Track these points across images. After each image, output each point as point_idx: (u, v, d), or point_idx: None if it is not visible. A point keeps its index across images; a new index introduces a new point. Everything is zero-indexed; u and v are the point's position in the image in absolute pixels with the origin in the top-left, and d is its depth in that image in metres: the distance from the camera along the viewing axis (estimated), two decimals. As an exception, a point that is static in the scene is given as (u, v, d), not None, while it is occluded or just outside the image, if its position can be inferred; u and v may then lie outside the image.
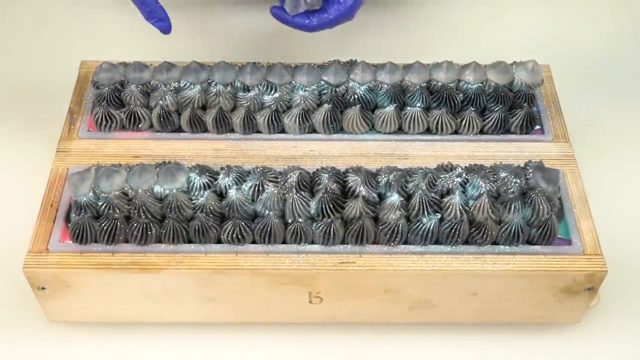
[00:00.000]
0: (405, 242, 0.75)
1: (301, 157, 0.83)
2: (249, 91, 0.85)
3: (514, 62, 0.87)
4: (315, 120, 0.84)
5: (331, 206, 0.74)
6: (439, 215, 0.74)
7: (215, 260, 0.74)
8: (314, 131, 0.85)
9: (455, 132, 0.84)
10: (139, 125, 0.84)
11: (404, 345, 0.80)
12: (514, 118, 0.84)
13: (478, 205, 0.74)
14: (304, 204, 0.74)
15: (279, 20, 0.86)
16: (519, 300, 0.76)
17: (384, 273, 0.74)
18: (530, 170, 0.77)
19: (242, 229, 0.74)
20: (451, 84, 0.86)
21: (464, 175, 0.76)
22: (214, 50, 1.04)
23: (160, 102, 0.83)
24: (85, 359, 0.79)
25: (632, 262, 0.85)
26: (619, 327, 0.81)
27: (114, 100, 0.85)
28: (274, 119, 0.83)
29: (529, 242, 0.76)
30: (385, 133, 0.85)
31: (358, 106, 0.83)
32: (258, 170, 0.77)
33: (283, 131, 0.85)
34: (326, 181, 0.76)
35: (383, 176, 0.76)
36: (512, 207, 0.74)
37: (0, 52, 1.05)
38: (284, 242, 0.75)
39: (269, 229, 0.74)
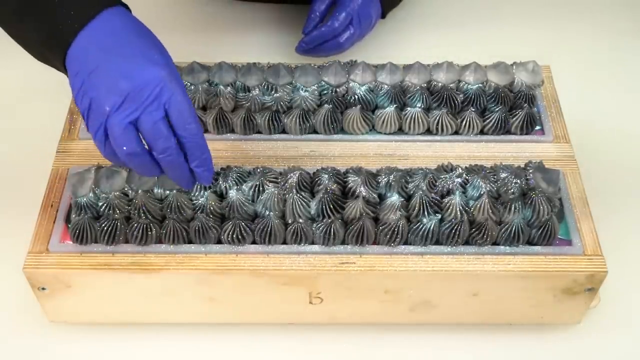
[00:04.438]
0: (406, 243, 0.75)
1: (301, 158, 0.83)
2: (249, 91, 0.85)
3: (514, 62, 0.87)
4: (316, 121, 0.84)
5: (331, 206, 0.74)
6: (439, 216, 0.74)
7: (216, 261, 0.74)
8: (314, 131, 0.85)
9: (456, 133, 0.84)
10: (139, 126, 0.84)
11: (404, 345, 0.80)
12: (514, 118, 0.84)
13: (478, 205, 0.74)
14: (304, 204, 0.74)
15: (311, 54, 0.97)
16: (519, 300, 0.76)
17: (384, 273, 0.74)
18: (531, 171, 0.77)
19: (242, 229, 0.74)
20: (451, 85, 0.86)
21: (464, 175, 0.76)
22: (214, 51, 1.04)
23: (161, 102, 0.83)
24: (85, 359, 0.79)
25: (632, 263, 0.85)
26: (619, 328, 0.81)
27: (114, 100, 0.85)
28: (274, 119, 0.83)
29: (529, 242, 0.76)
30: (385, 133, 0.84)
31: (358, 107, 0.83)
32: (258, 170, 0.77)
33: (283, 131, 0.85)
34: (326, 182, 0.76)
35: (383, 177, 0.76)
36: (513, 208, 0.74)
37: (0, 52, 1.05)
38: (284, 242, 0.75)
39: (269, 229, 0.74)
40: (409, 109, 0.84)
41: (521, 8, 1.15)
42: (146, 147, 0.67)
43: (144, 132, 0.66)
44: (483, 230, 0.74)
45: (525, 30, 1.12)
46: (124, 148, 0.65)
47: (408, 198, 0.76)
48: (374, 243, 0.75)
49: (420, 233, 0.74)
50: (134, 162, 0.67)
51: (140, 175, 0.71)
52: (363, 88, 0.85)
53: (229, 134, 0.84)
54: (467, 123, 0.83)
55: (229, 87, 0.85)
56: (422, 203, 0.74)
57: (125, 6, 0.70)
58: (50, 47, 0.68)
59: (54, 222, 0.76)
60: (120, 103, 0.64)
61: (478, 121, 0.83)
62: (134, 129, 0.65)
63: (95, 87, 0.65)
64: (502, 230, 0.74)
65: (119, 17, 0.68)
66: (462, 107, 0.84)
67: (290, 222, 0.75)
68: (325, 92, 0.85)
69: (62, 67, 0.68)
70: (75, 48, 0.66)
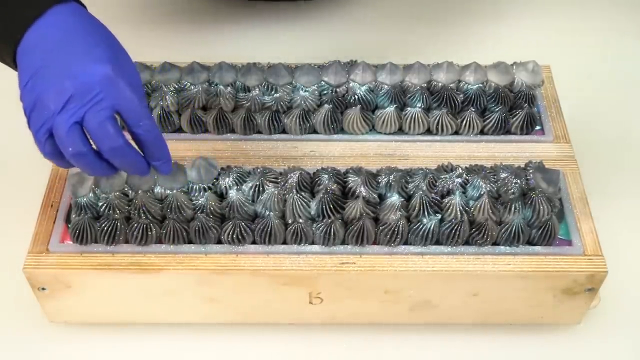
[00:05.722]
0: (406, 243, 0.75)
1: (301, 158, 0.83)
2: (249, 91, 0.85)
3: (515, 62, 0.87)
4: (316, 121, 0.84)
5: (331, 207, 0.74)
6: (439, 216, 0.74)
7: (216, 261, 0.74)
8: (314, 132, 0.85)
9: (456, 133, 0.84)
10: (139, 126, 0.84)
11: (404, 345, 0.80)
12: (515, 118, 0.84)
13: (478, 205, 0.74)
14: (304, 204, 0.74)
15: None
16: (519, 301, 0.76)
17: (384, 274, 0.74)
18: (531, 171, 0.77)
19: (242, 229, 0.74)
20: (451, 85, 0.86)
21: (464, 175, 0.76)
22: (214, 51, 1.04)
23: (161, 102, 0.83)
24: (85, 359, 0.79)
25: (632, 263, 0.85)
26: (619, 328, 0.81)
27: (114, 100, 0.85)
28: (274, 119, 0.83)
29: (530, 242, 0.76)
30: (385, 133, 0.84)
31: (358, 107, 0.83)
32: (258, 170, 0.77)
33: (283, 131, 0.85)
34: (326, 182, 0.76)
35: (383, 177, 0.76)
36: (513, 208, 0.74)
37: None
38: (284, 242, 0.75)
39: (269, 229, 0.74)
40: (409, 109, 0.84)
41: (521, 8, 1.15)
42: (94, 146, 0.66)
43: (90, 132, 0.64)
44: (483, 230, 0.74)
45: (525, 30, 1.12)
46: (70, 149, 0.64)
47: (408, 198, 0.76)
48: (374, 243, 0.75)
49: (420, 233, 0.74)
50: (81, 162, 0.66)
51: (91, 175, 0.70)
52: (363, 88, 0.85)
53: (229, 134, 0.84)
54: (467, 123, 0.83)
55: (229, 87, 0.85)
56: (422, 203, 0.74)
57: (80, 3, 0.69)
58: (3, 45, 0.67)
59: (54, 222, 0.76)
60: (65, 103, 0.63)
61: (478, 121, 0.83)
62: (80, 129, 0.64)
63: (40, 86, 0.64)
64: (502, 230, 0.74)
65: (69, 14, 0.66)
66: (462, 107, 0.84)
67: (290, 222, 0.75)
68: (325, 92, 0.85)
69: (13, 63, 0.68)
70: (24, 45, 0.66)
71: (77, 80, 0.63)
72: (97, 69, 0.64)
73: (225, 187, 0.76)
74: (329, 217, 0.74)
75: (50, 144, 0.65)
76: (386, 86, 0.85)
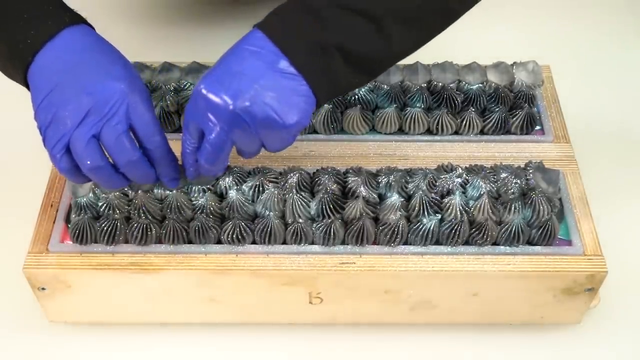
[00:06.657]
0: (406, 243, 0.75)
1: (301, 158, 0.83)
2: (249, 91, 0.85)
3: (515, 62, 0.87)
4: (316, 121, 0.84)
5: (331, 207, 0.74)
6: (439, 216, 0.74)
7: (215, 261, 0.74)
8: (314, 131, 0.85)
9: (456, 133, 0.84)
10: (139, 126, 0.84)
11: (404, 345, 0.80)
12: (515, 118, 0.84)
13: (478, 205, 0.74)
14: (304, 204, 0.74)
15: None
16: (519, 300, 0.76)
17: (384, 274, 0.74)
18: (531, 171, 0.77)
19: (242, 229, 0.74)
20: (451, 85, 0.86)
21: (464, 175, 0.76)
22: (214, 51, 1.04)
23: (161, 102, 0.83)
24: (85, 359, 0.79)
25: (632, 263, 0.85)
26: (619, 328, 0.81)
27: (114, 100, 0.85)
28: (274, 119, 0.83)
29: (529, 242, 0.76)
30: (385, 133, 0.85)
31: (358, 107, 0.83)
32: (258, 170, 0.77)
33: (283, 131, 0.84)
34: (326, 182, 0.76)
35: (383, 177, 0.76)
36: (513, 208, 0.74)
37: None
38: (284, 242, 0.75)
39: (269, 229, 0.74)
40: (409, 109, 0.84)
41: (521, 8, 1.15)
42: (110, 160, 0.67)
43: (107, 146, 0.66)
44: (483, 230, 0.74)
45: (525, 30, 1.12)
46: (88, 162, 0.65)
47: (408, 198, 0.76)
48: (374, 243, 0.75)
49: (420, 233, 0.74)
50: (98, 176, 0.67)
51: (106, 188, 0.71)
52: (363, 88, 0.85)
53: (229, 134, 0.84)
54: (467, 123, 0.83)
55: (229, 87, 0.85)
56: (422, 203, 0.74)
57: (89, 24, 0.70)
58: (11, 64, 0.68)
59: (54, 222, 0.76)
60: (82, 118, 0.64)
61: (478, 121, 0.83)
62: (97, 143, 0.65)
63: (56, 103, 0.65)
64: (502, 230, 0.74)
65: (80, 35, 0.68)
66: (462, 107, 0.84)
67: (290, 222, 0.75)
68: (325, 92, 0.85)
69: (24, 82, 0.68)
70: (37, 66, 0.66)
71: (94, 96, 0.65)
72: (114, 85, 0.65)
73: (225, 187, 0.76)
74: (329, 217, 0.74)
75: (66, 160, 0.66)
76: (386, 86, 0.85)
